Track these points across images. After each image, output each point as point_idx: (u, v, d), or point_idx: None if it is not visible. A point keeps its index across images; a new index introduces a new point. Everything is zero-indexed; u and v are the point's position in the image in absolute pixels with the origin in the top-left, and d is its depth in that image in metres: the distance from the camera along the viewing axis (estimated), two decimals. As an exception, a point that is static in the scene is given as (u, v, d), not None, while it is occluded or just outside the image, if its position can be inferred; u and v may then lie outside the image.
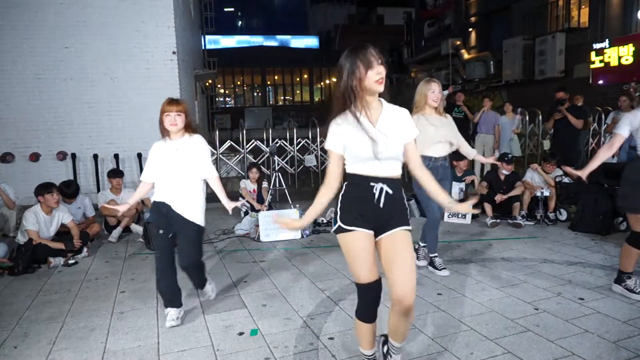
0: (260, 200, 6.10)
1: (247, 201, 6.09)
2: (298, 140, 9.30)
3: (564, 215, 5.61)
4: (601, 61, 12.69)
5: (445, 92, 4.26)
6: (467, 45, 20.93)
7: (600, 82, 12.77)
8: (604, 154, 3.21)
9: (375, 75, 1.95)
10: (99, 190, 7.36)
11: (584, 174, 3.26)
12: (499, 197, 5.68)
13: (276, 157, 6.68)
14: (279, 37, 38.81)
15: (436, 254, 3.92)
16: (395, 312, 2.04)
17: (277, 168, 6.29)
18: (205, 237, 5.47)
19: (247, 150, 8.61)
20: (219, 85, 32.63)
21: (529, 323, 2.86)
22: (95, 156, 7.76)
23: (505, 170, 5.86)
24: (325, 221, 5.81)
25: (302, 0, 41.79)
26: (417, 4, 26.44)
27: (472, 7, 21.11)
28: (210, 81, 22.27)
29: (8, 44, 7.43)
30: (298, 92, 36.17)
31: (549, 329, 2.77)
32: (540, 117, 9.53)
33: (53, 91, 7.68)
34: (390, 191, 2.01)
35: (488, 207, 5.69)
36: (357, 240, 2.01)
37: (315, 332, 2.85)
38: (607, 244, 4.61)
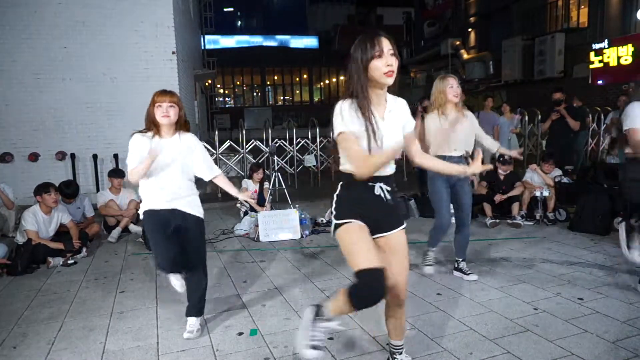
0: (262, 200, 6.10)
1: (246, 202, 6.09)
2: (298, 140, 9.30)
3: (563, 215, 5.62)
4: (600, 61, 12.71)
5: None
6: (467, 45, 20.95)
7: (600, 82, 12.78)
8: None
9: (384, 67, 1.82)
10: (98, 190, 7.35)
11: None
12: (498, 197, 5.68)
13: (276, 157, 6.67)
14: (278, 37, 38.83)
15: (463, 258, 3.80)
16: (390, 307, 2.12)
17: (276, 168, 6.28)
18: (205, 237, 5.47)
19: (247, 150, 8.60)
20: (219, 85, 32.63)
21: (528, 323, 2.86)
22: (95, 156, 7.75)
23: (501, 170, 5.88)
24: (325, 221, 5.81)
25: (302, 1, 41.80)
26: (416, 4, 26.46)
27: (471, 7, 21.12)
28: (209, 81, 22.26)
29: (7, 44, 7.42)
30: (297, 92, 36.18)
31: (548, 329, 2.77)
32: (539, 117, 9.54)
33: (52, 91, 7.67)
34: (388, 188, 2.00)
35: (487, 207, 5.69)
36: (353, 229, 1.92)
37: (315, 332, 2.84)
38: (607, 244, 4.61)
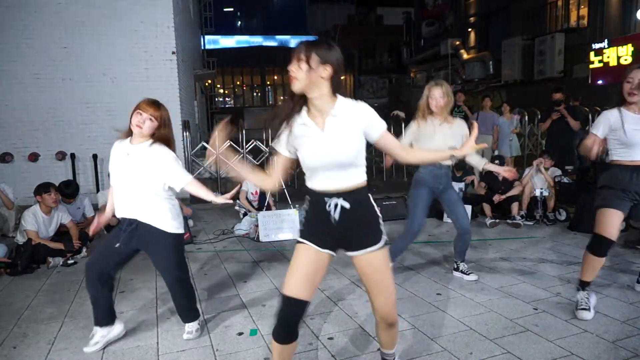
0: (263, 201, 6.09)
1: (243, 205, 6.11)
2: (297, 140, 9.29)
3: (563, 215, 5.62)
4: (600, 61, 12.71)
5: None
6: (467, 45, 20.94)
7: (600, 82, 12.78)
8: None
9: (290, 72, 1.80)
10: (98, 190, 7.36)
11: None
12: (497, 198, 5.68)
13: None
14: (278, 37, 38.83)
15: (462, 260, 3.80)
16: (381, 327, 2.04)
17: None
18: (205, 237, 5.48)
19: (247, 150, 8.60)
20: (219, 86, 32.60)
21: (528, 323, 2.86)
22: (95, 156, 7.76)
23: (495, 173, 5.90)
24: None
25: (302, 1, 41.81)
26: (416, 4, 26.46)
27: (471, 7, 21.12)
28: (209, 81, 22.26)
29: (7, 44, 7.43)
30: (297, 92, 36.12)
31: (548, 329, 2.77)
32: (539, 117, 9.55)
33: (52, 91, 7.68)
34: (347, 205, 1.83)
35: (487, 208, 5.70)
36: (303, 253, 1.89)
37: (315, 332, 2.85)
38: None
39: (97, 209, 5.69)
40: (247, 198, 6.25)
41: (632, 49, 11.77)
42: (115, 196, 2.70)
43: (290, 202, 6.08)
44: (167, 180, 2.63)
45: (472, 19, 21.08)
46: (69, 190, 5.34)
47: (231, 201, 2.69)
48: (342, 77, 1.85)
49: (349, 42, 35.29)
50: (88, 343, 2.73)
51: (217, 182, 8.37)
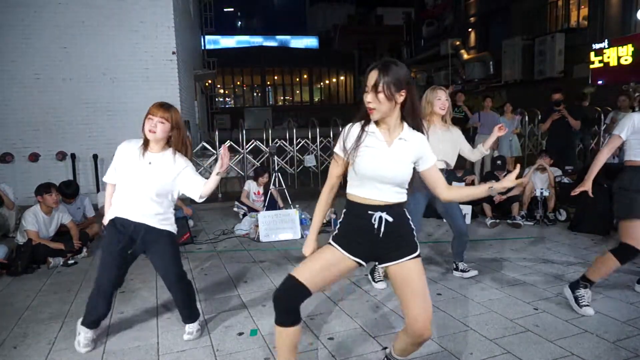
0: (272, 203, 6.08)
1: (245, 205, 6.12)
2: (298, 140, 9.31)
3: (563, 216, 5.62)
4: (600, 61, 12.71)
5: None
6: (467, 45, 20.95)
7: (600, 82, 12.78)
8: (603, 158, 3.04)
9: (367, 103, 1.84)
10: (98, 190, 7.36)
11: (587, 186, 3.03)
12: (497, 198, 5.68)
13: (276, 157, 6.68)
14: (278, 37, 38.84)
15: (460, 260, 3.84)
16: (411, 342, 1.99)
17: (277, 168, 6.28)
18: (205, 237, 5.48)
19: (247, 150, 8.61)
20: (219, 86, 32.62)
21: (529, 323, 2.86)
22: (95, 156, 7.76)
23: (497, 174, 5.93)
24: (325, 221, 5.79)
25: (302, 1, 41.82)
26: (416, 4, 26.46)
27: (471, 7, 21.13)
28: (209, 81, 22.27)
29: (7, 44, 7.43)
30: (298, 92, 36.17)
31: (548, 329, 2.77)
32: (540, 118, 9.55)
33: (52, 91, 7.68)
34: (390, 219, 1.89)
35: (487, 208, 5.70)
36: (327, 250, 1.95)
37: (315, 332, 2.85)
38: (607, 244, 4.61)
39: (97, 209, 5.70)
40: (247, 197, 6.25)
41: (632, 49, 11.77)
42: (122, 198, 2.64)
43: (290, 202, 6.08)
44: (187, 191, 2.67)
45: (472, 19, 21.09)
46: (69, 191, 5.34)
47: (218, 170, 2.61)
48: (415, 98, 1.90)
49: (349, 42, 35.34)
50: (79, 342, 2.71)
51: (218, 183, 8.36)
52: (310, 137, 9.38)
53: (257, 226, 5.34)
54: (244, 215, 5.94)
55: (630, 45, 11.84)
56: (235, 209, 6.29)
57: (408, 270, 1.91)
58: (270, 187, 6.21)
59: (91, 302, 2.71)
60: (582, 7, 14.78)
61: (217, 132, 8.41)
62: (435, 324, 2.89)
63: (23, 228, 4.60)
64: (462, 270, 3.78)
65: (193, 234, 5.40)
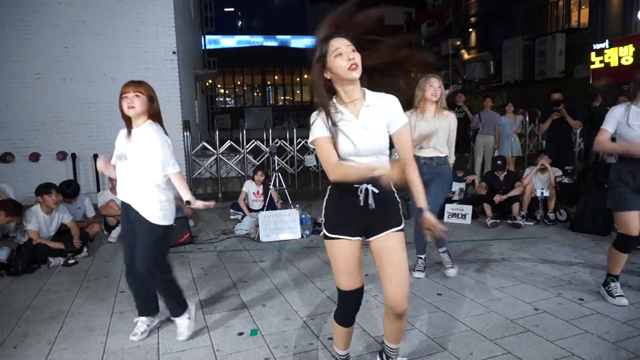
0: (271, 205, 6.08)
1: (240, 209, 6.14)
2: (298, 140, 9.30)
3: (563, 216, 5.62)
4: (601, 61, 12.71)
5: (447, 92, 4.19)
6: (467, 45, 20.95)
7: (600, 82, 12.78)
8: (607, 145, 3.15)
9: (344, 62, 1.77)
10: (98, 190, 7.36)
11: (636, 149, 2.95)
12: (497, 198, 5.68)
13: (276, 157, 6.68)
14: (278, 37, 38.80)
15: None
16: (389, 316, 2.01)
17: (277, 168, 6.28)
18: (205, 237, 5.48)
19: (247, 150, 8.61)
20: (219, 85, 32.65)
21: (529, 323, 2.86)
22: (95, 156, 7.75)
23: (497, 174, 5.93)
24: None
25: (302, 1, 41.79)
26: (417, 4, 26.46)
27: (472, 7, 21.13)
28: (210, 81, 22.28)
29: (7, 44, 7.43)
30: (298, 92, 36.18)
31: (548, 330, 2.77)
32: (539, 117, 9.54)
33: (53, 91, 7.68)
34: (375, 190, 1.86)
35: (487, 208, 5.70)
36: (340, 249, 1.93)
37: (315, 332, 2.85)
38: (607, 244, 4.59)
39: (97, 208, 5.71)
40: (245, 200, 6.26)
41: (633, 49, 11.77)
42: (119, 181, 2.77)
43: (290, 202, 6.08)
44: (157, 162, 2.64)
45: (472, 19, 21.09)
46: (69, 190, 5.34)
47: (209, 204, 2.85)
48: None
49: (349, 42, 35.27)
50: (134, 332, 2.84)
51: (218, 182, 8.38)
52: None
53: (257, 226, 5.34)
54: (242, 218, 5.95)
55: (631, 46, 11.85)
56: (232, 217, 6.31)
57: (392, 243, 1.93)
58: (270, 188, 6.22)
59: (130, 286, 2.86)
60: (583, 7, 14.78)
61: (217, 132, 8.40)
62: (435, 324, 2.89)
63: (24, 228, 4.61)
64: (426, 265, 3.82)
65: (193, 234, 5.41)
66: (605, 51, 12.51)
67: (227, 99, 34.48)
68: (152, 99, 2.68)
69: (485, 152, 8.11)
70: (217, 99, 29.81)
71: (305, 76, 35.99)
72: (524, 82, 16.32)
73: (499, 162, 6.02)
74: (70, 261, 4.51)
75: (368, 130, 1.85)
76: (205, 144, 8.99)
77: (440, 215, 5.95)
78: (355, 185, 1.87)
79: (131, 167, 2.67)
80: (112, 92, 7.88)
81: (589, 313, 2.98)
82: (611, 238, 4.76)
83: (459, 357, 2.49)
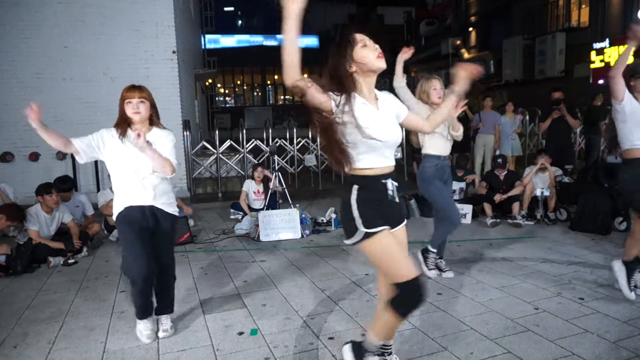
0: (272, 202, 6.07)
1: (241, 209, 6.14)
2: (298, 139, 9.30)
3: (564, 215, 5.61)
4: (601, 61, 12.70)
5: (447, 92, 4.19)
6: (467, 44, 20.94)
7: (601, 81, 12.77)
8: None
9: (372, 52, 1.90)
10: (98, 190, 7.35)
11: None
12: (498, 197, 5.68)
13: (276, 157, 6.68)
14: (279, 36, 38.72)
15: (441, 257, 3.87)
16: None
17: (277, 168, 6.27)
18: (206, 237, 5.48)
19: (247, 149, 8.60)
20: (219, 85, 32.63)
21: (529, 323, 2.86)
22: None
23: (497, 172, 5.92)
24: (325, 221, 5.80)
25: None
26: (417, 4, 26.45)
27: (472, 6, 21.12)
28: (210, 80, 22.25)
29: (7, 44, 7.42)
30: (298, 91, 36.14)
31: (548, 329, 2.77)
32: (539, 117, 9.53)
33: (52, 91, 7.67)
34: (396, 184, 2.02)
35: (488, 207, 5.69)
36: (388, 237, 1.93)
37: (315, 332, 2.85)
38: (607, 243, 4.61)
39: (97, 208, 5.71)
40: (245, 200, 6.25)
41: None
42: (126, 188, 2.77)
43: (290, 202, 6.07)
44: (173, 156, 2.77)
45: (472, 18, 21.08)
46: (65, 186, 5.32)
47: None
48: None
49: (349, 42, 35.26)
50: (142, 333, 2.81)
51: (218, 182, 8.37)
52: (310, 136, 9.37)
53: (257, 226, 5.34)
54: (242, 217, 5.94)
55: (631, 45, 11.82)
56: (232, 217, 6.30)
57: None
58: (271, 187, 6.21)
59: (135, 296, 2.80)
60: (583, 6, 14.77)
61: (217, 132, 8.40)
62: (435, 324, 2.89)
63: (25, 227, 4.61)
64: (439, 268, 3.78)
65: (193, 234, 5.41)
66: (606, 50, 12.51)
67: (227, 98, 34.46)
68: (153, 104, 2.79)
69: (485, 152, 8.10)
70: (217, 99, 29.79)
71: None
72: (524, 81, 16.31)
73: (499, 160, 6.02)
74: (70, 261, 4.51)
75: (391, 122, 1.98)
76: (205, 143, 8.98)
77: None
78: (383, 181, 1.96)
79: (148, 168, 2.70)
80: (112, 92, 7.88)
81: (589, 312, 2.98)
82: (611, 238, 4.78)
83: (459, 356, 2.49)
